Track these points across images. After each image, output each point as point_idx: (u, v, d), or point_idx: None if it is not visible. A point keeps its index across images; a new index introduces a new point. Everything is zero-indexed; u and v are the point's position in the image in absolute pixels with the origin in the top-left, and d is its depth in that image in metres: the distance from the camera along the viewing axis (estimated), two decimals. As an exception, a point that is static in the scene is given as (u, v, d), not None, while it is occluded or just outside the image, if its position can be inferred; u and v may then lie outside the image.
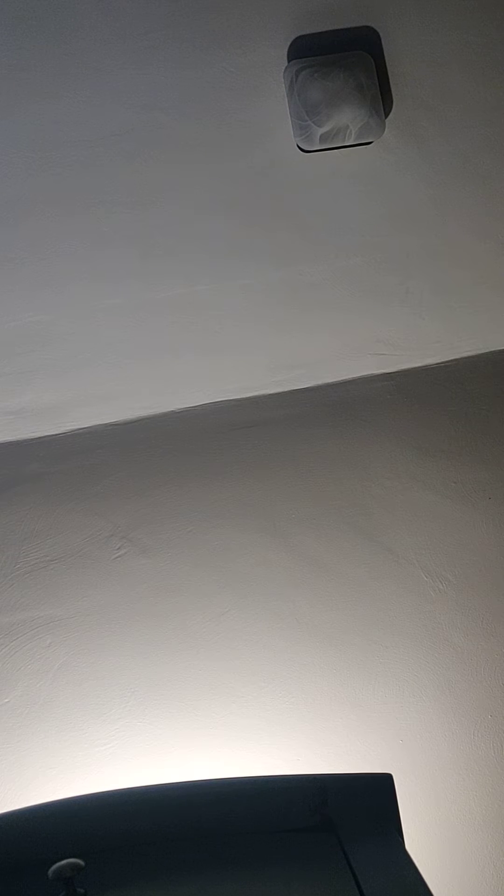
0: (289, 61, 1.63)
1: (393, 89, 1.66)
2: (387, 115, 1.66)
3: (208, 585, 1.74)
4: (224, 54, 1.61)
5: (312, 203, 1.71)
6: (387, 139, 1.68)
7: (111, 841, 1.31)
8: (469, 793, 1.71)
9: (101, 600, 1.72)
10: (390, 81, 1.66)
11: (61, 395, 1.77)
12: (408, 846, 1.31)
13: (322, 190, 1.70)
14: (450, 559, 1.77)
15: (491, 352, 1.86)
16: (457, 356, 1.85)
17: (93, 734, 1.68)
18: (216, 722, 1.69)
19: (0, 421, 1.77)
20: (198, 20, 1.60)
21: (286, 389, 1.82)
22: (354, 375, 1.83)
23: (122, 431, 1.80)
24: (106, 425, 1.80)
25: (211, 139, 1.65)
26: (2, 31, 1.56)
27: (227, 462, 1.79)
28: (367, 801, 1.35)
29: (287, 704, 1.70)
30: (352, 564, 1.76)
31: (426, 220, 1.75)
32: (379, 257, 1.76)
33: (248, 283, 1.75)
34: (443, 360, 1.85)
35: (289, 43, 1.63)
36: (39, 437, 1.79)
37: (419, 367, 1.84)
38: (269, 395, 1.82)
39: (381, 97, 1.63)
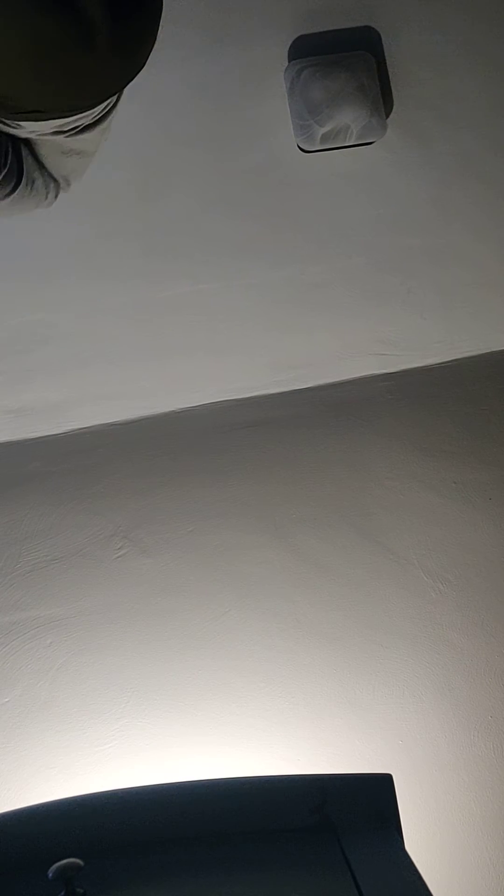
0: (290, 61, 1.63)
1: (394, 89, 1.66)
2: (388, 115, 1.66)
3: (208, 585, 1.74)
4: (225, 54, 1.61)
5: (313, 203, 1.71)
6: (388, 139, 1.68)
7: (111, 841, 1.31)
8: (469, 793, 1.70)
9: (102, 600, 1.72)
10: (391, 81, 1.66)
11: (61, 394, 1.76)
12: (408, 846, 1.31)
13: (323, 190, 1.70)
14: (450, 559, 1.77)
15: (491, 352, 1.86)
16: (457, 356, 1.85)
17: (93, 734, 1.68)
18: (216, 722, 1.69)
19: (0, 420, 1.76)
20: (199, 20, 1.60)
21: (286, 389, 1.82)
22: (355, 375, 1.83)
23: (122, 431, 1.80)
24: (106, 425, 1.80)
25: (212, 139, 1.65)
26: (3, 30, 1.56)
27: (227, 462, 1.79)
28: (367, 801, 1.35)
29: (287, 704, 1.70)
30: (352, 565, 1.76)
31: (427, 220, 1.75)
32: (380, 257, 1.76)
33: (249, 283, 1.74)
34: (443, 360, 1.85)
35: (290, 43, 1.63)
36: (39, 437, 1.79)
37: (420, 368, 1.84)
38: (270, 395, 1.82)
39: (382, 97, 1.63)
